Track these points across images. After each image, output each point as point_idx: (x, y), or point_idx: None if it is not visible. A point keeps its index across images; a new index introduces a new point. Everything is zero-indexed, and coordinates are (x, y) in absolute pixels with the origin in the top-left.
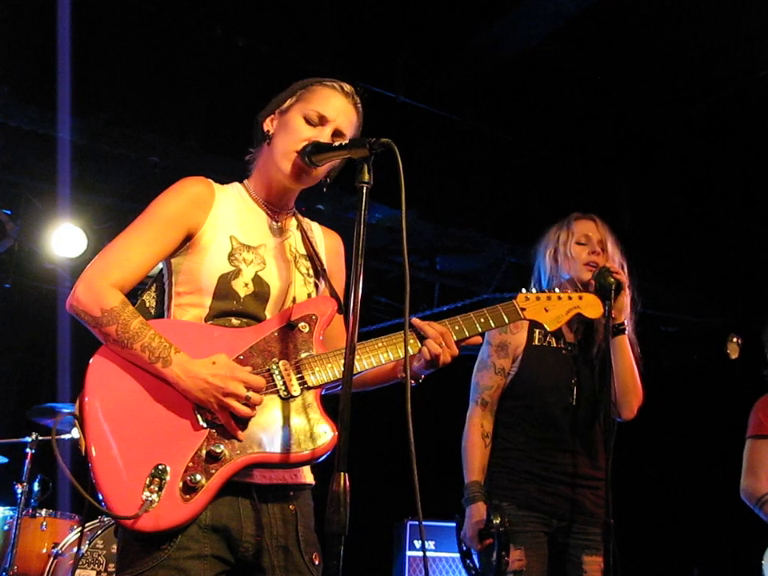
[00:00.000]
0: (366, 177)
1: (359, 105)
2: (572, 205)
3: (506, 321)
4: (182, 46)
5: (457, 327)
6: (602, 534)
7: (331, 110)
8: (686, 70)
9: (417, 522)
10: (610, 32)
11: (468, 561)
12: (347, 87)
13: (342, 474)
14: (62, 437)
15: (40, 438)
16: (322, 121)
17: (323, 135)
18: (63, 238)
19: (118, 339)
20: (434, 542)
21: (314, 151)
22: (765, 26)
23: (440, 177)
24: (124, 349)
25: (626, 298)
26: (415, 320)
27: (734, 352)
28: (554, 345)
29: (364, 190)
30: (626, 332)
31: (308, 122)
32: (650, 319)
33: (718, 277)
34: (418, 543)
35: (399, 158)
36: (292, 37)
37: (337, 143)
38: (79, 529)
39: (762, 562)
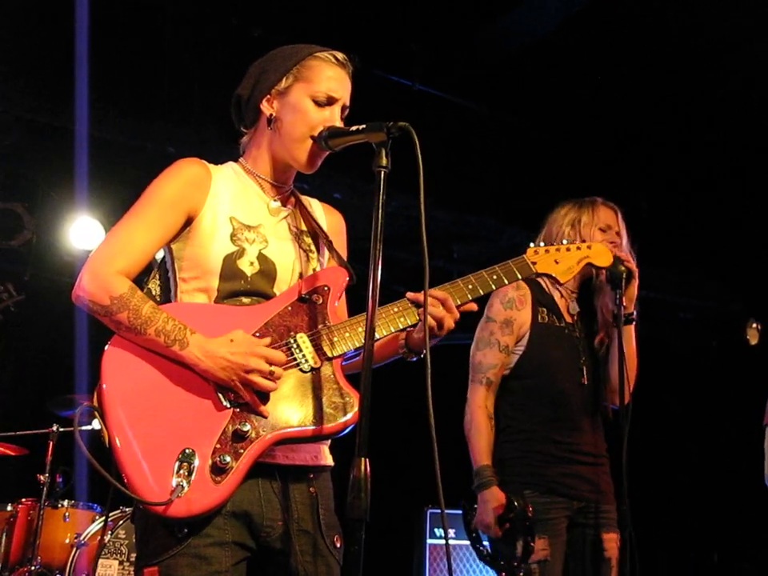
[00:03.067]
0: (384, 161)
1: (350, 69)
2: (589, 192)
3: (519, 276)
4: (198, 37)
5: (470, 286)
6: (619, 518)
7: (337, 87)
8: (699, 58)
9: (437, 510)
10: (627, 15)
11: (479, 546)
12: (341, 56)
13: (363, 459)
14: (83, 428)
15: (60, 429)
16: (330, 101)
17: (334, 116)
18: (81, 231)
19: (131, 326)
20: (454, 530)
21: (330, 136)
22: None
23: (456, 165)
24: (138, 335)
25: (635, 288)
26: (409, 294)
27: (753, 338)
28: (557, 324)
29: (382, 175)
30: (633, 322)
31: (316, 103)
32: (668, 306)
33: (736, 262)
34: (438, 531)
35: (417, 142)
36: (306, 26)
37: (354, 127)
38: (102, 519)
39: None
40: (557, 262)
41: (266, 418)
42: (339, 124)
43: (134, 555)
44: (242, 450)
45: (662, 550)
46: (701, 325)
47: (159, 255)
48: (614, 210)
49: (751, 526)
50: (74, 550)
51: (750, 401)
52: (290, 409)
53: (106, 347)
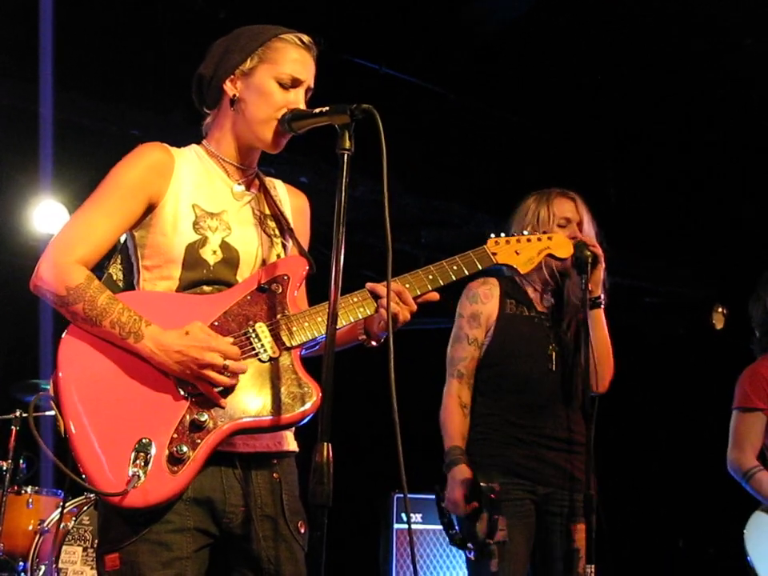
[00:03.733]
0: (347, 144)
1: (315, 54)
2: (558, 178)
3: (479, 266)
4: (163, 18)
5: (430, 276)
6: (584, 504)
7: (302, 69)
8: (674, 40)
9: (403, 495)
10: (595, 3)
11: (451, 531)
12: (306, 38)
13: (326, 444)
14: (46, 414)
15: (24, 414)
16: (295, 83)
17: (298, 98)
18: (44, 214)
19: (86, 317)
20: (420, 515)
21: (293, 118)
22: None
23: (425, 150)
24: (93, 326)
25: (601, 272)
26: (369, 284)
27: (719, 323)
28: (527, 313)
29: (345, 158)
30: (602, 306)
31: (282, 85)
32: (635, 291)
33: (702, 248)
34: (406, 516)
35: (380, 124)
36: (273, 8)
37: (317, 110)
38: (63, 506)
39: (744, 531)
40: (517, 253)
41: (223, 408)
42: (303, 106)
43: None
44: (198, 440)
45: (627, 536)
46: (667, 310)
47: (121, 239)
48: (571, 199)
49: (717, 512)
50: (38, 536)
51: (716, 385)
52: (247, 399)
53: (63, 336)
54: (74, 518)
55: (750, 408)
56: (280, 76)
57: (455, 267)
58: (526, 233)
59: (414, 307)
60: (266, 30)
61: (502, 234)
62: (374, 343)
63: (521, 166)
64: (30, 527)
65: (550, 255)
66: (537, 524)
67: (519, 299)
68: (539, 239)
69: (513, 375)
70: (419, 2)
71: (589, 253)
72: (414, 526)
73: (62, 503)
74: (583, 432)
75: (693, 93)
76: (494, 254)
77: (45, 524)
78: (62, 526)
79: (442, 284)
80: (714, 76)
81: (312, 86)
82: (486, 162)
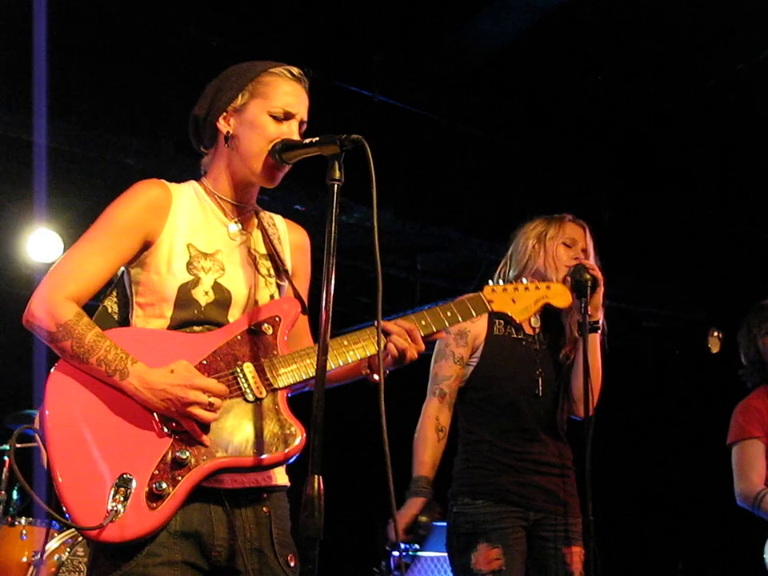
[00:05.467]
0: (337, 174)
1: (307, 86)
2: (552, 202)
3: (473, 314)
4: (156, 47)
5: (423, 322)
6: (583, 530)
7: (294, 101)
8: (663, 65)
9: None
10: (586, 28)
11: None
12: (296, 71)
13: (316, 476)
14: (34, 444)
15: (18, 445)
16: (287, 116)
17: (291, 130)
18: (39, 243)
19: (74, 354)
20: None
21: (284, 149)
22: (740, 22)
23: (419, 176)
24: (81, 363)
25: (601, 296)
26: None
27: (714, 346)
28: (515, 335)
29: (335, 188)
30: (599, 331)
31: (274, 118)
32: (631, 314)
33: (699, 271)
34: (404, 544)
35: (370, 155)
36: (266, 36)
37: (307, 140)
38: (61, 536)
39: (765, 555)
40: (514, 301)
41: (206, 446)
42: (296, 138)
43: None
44: (179, 477)
45: (627, 559)
46: (664, 334)
47: (118, 273)
48: (582, 227)
49: (715, 534)
50: (31, 568)
51: (712, 409)
52: (230, 438)
53: (52, 371)
54: (68, 549)
55: (747, 437)
56: (272, 109)
57: (449, 314)
58: (524, 281)
59: (423, 347)
60: (256, 66)
61: (500, 282)
62: (376, 377)
63: (515, 191)
64: (24, 559)
65: (548, 305)
66: (529, 550)
67: (507, 320)
68: (537, 288)
69: (499, 399)
70: (412, 30)
71: (588, 276)
72: (413, 554)
73: (62, 534)
74: (570, 456)
75: (688, 115)
76: (490, 301)
77: (39, 555)
78: (56, 557)
79: (434, 330)
80: (710, 98)
81: (305, 118)
82: (481, 188)
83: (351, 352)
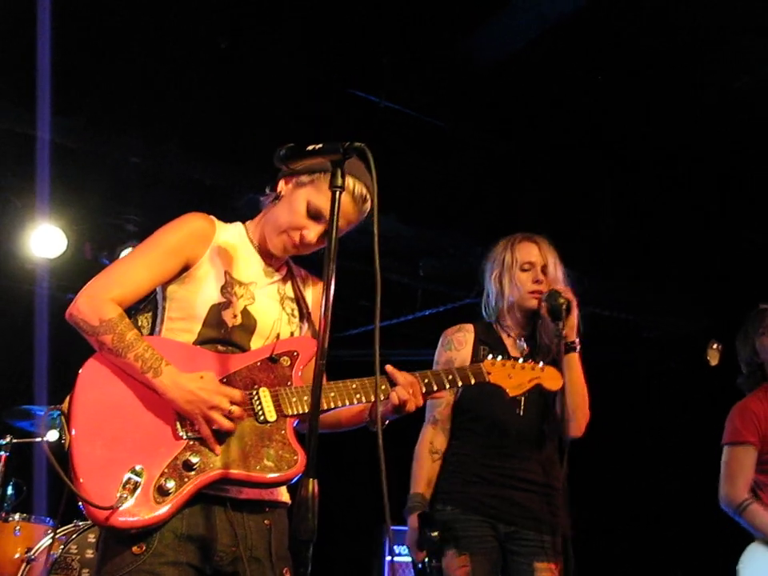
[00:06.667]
0: (339, 181)
1: (365, 208)
2: (555, 210)
3: (472, 381)
4: (164, 47)
5: (426, 380)
6: (562, 546)
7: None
8: (668, 73)
9: (398, 528)
10: (592, 38)
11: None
12: (358, 189)
13: (311, 480)
14: (36, 440)
15: (15, 440)
16: (319, 216)
17: (314, 231)
18: (42, 239)
19: (113, 348)
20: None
21: (287, 156)
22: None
23: (422, 181)
24: (118, 357)
25: (575, 317)
26: (389, 367)
27: (713, 359)
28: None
29: (337, 194)
30: (577, 350)
31: (308, 210)
32: (631, 325)
33: (699, 282)
34: (398, 549)
35: (372, 162)
36: (274, 39)
37: (310, 147)
38: (51, 534)
39: (738, 566)
40: (510, 377)
41: (216, 455)
42: (313, 240)
43: (85, 571)
44: (186, 479)
45: (625, 570)
46: (663, 345)
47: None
48: (534, 242)
49: (714, 545)
50: (24, 564)
51: (710, 421)
52: (239, 452)
53: (88, 360)
54: (61, 547)
55: (741, 442)
56: (310, 201)
57: (450, 377)
58: (521, 360)
59: (421, 402)
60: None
61: (499, 357)
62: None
63: (519, 199)
64: (17, 555)
65: (540, 385)
66: (503, 562)
67: (493, 345)
68: (533, 368)
69: (484, 419)
70: (418, 36)
71: (563, 300)
72: (404, 559)
73: (52, 531)
74: (558, 475)
75: (690, 124)
76: (489, 373)
77: (32, 552)
78: (49, 554)
79: (435, 390)
80: (713, 106)
81: (341, 229)
82: (484, 194)
83: (358, 395)
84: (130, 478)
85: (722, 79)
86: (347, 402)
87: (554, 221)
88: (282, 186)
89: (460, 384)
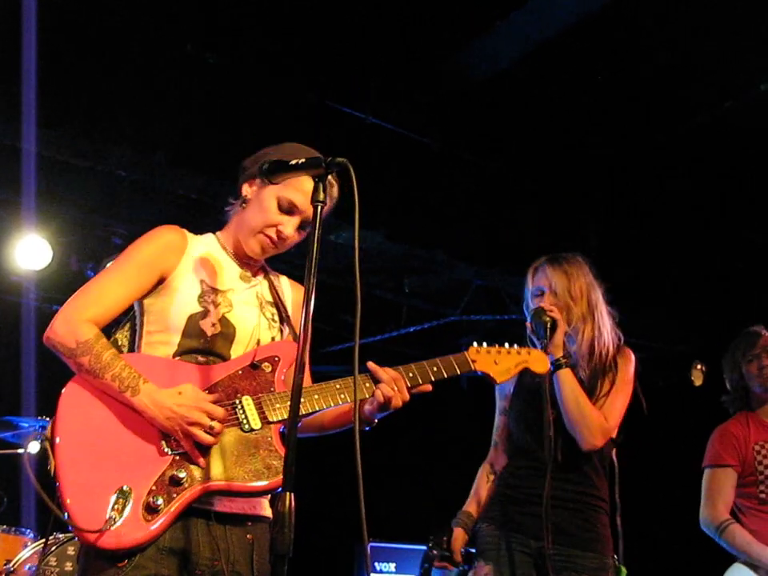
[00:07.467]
0: (321, 196)
1: (335, 195)
2: (540, 228)
3: (458, 371)
4: (152, 61)
5: (410, 374)
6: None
7: (303, 199)
8: (657, 95)
9: (380, 544)
10: (580, 58)
11: None
12: (331, 179)
13: (288, 494)
14: (19, 450)
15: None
16: (292, 209)
17: (290, 225)
18: (28, 250)
19: (91, 369)
20: (395, 564)
21: (270, 170)
22: (733, 56)
23: (408, 198)
24: (96, 378)
25: (561, 335)
26: (370, 364)
27: (697, 379)
28: (537, 379)
29: (318, 209)
30: (565, 366)
31: (279, 206)
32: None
33: (683, 303)
34: (379, 566)
35: (354, 178)
36: (262, 54)
37: (293, 162)
38: (32, 545)
39: None
40: (496, 363)
41: (202, 468)
42: (290, 233)
43: None
44: (174, 495)
45: None
46: (647, 365)
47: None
48: (541, 270)
49: (694, 565)
50: None
51: (693, 442)
52: (224, 463)
53: (68, 383)
54: (40, 559)
55: (721, 465)
56: (281, 197)
57: (435, 368)
58: (506, 345)
59: (407, 397)
60: (301, 151)
61: (484, 344)
62: (366, 427)
63: (504, 217)
64: None
65: (527, 369)
66: None
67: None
68: (519, 352)
69: (515, 440)
70: (405, 53)
71: (548, 318)
72: None
73: (36, 543)
74: (592, 491)
75: (677, 145)
76: (474, 361)
77: (11, 564)
78: (27, 567)
79: (420, 383)
80: (700, 130)
81: (310, 220)
82: (470, 212)
83: (342, 395)
84: (118, 499)
85: (714, 100)
86: (331, 403)
87: (540, 240)
88: (246, 189)
89: (446, 375)
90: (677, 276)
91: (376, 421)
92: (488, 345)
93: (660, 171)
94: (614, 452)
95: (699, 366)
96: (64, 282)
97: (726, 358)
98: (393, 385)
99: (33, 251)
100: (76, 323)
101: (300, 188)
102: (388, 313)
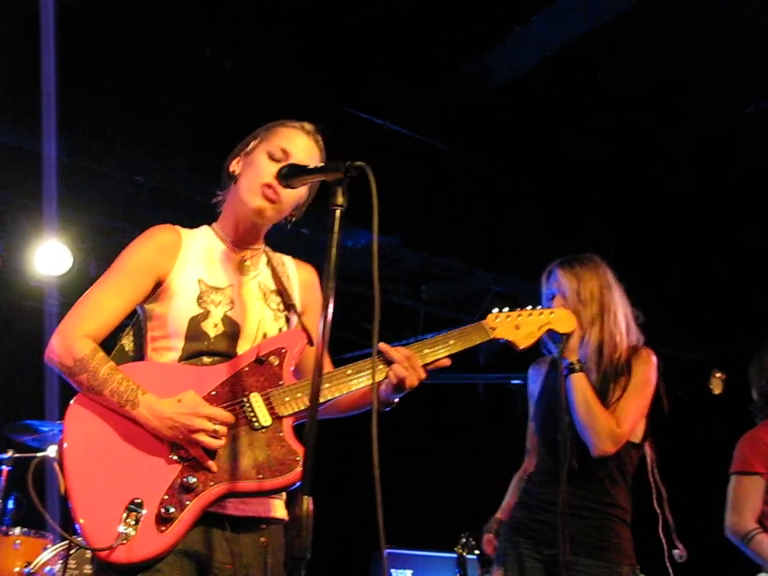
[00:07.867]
0: (340, 200)
1: (320, 142)
2: (558, 236)
3: (474, 341)
4: (170, 67)
5: (425, 350)
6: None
7: (293, 146)
8: (671, 104)
9: (395, 551)
10: (597, 65)
11: None
12: (308, 126)
13: (306, 497)
14: (36, 454)
15: (16, 455)
16: (286, 155)
17: None
18: (49, 256)
19: (89, 386)
20: (412, 571)
21: (289, 173)
22: (747, 65)
23: (426, 205)
24: (96, 395)
25: (576, 339)
26: (382, 345)
27: (717, 387)
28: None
29: (337, 213)
30: (578, 370)
31: (271, 157)
32: None
33: (701, 311)
34: (395, 572)
35: (373, 182)
36: (279, 60)
37: (312, 166)
38: (54, 548)
39: None
40: (517, 327)
41: (213, 472)
42: None
43: None
44: (187, 502)
45: None
46: (666, 374)
47: (138, 310)
48: (553, 273)
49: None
50: None
51: (713, 450)
52: (237, 464)
53: (71, 403)
54: (60, 561)
55: (750, 472)
56: (271, 149)
57: (451, 341)
58: (529, 307)
59: (422, 374)
60: (277, 122)
61: (505, 309)
62: (384, 408)
63: (522, 223)
64: (17, 569)
65: (551, 330)
66: None
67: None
68: (541, 313)
69: (537, 444)
70: (424, 59)
71: None
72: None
73: (56, 546)
74: (604, 498)
75: (692, 154)
76: (493, 329)
77: (31, 566)
78: (47, 569)
79: (437, 358)
80: (716, 139)
81: (302, 161)
82: (488, 219)
83: (354, 381)
84: (130, 512)
85: (730, 109)
86: (344, 391)
87: (557, 247)
88: (234, 165)
89: (462, 347)
90: (695, 283)
91: (396, 401)
92: (509, 310)
93: (676, 179)
94: (650, 458)
95: (718, 375)
96: (84, 288)
97: (752, 364)
98: (406, 363)
99: (53, 257)
100: (72, 340)
101: (288, 136)
102: (405, 319)
